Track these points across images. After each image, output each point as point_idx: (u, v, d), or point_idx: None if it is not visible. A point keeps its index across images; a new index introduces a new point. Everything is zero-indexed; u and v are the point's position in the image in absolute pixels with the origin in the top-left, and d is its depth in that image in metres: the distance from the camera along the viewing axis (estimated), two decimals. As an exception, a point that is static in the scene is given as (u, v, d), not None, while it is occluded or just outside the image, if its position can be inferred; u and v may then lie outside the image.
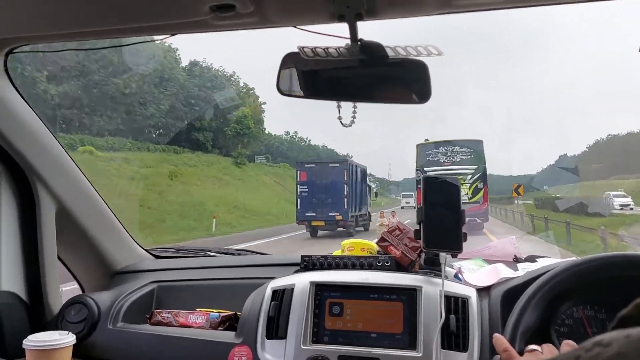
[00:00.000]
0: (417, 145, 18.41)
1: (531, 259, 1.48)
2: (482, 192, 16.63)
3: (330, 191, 17.72)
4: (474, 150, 17.76)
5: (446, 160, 17.61)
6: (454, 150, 17.74)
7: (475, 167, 17.26)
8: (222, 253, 1.92)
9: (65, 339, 1.30)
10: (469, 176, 16.78)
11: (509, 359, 0.96)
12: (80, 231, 1.58)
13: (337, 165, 18.61)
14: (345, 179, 17.90)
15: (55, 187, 1.47)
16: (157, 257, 1.88)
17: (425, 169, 17.35)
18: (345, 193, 17.70)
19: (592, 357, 0.32)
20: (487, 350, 1.17)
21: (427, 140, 18.73)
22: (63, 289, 1.59)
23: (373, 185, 24.00)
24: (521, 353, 1.00)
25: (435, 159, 17.76)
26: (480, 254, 1.57)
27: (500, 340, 1.01)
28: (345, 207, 17.59)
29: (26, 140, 1.40)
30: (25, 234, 1.47)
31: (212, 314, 1.47)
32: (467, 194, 16.05)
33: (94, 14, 0.94)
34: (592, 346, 0.33)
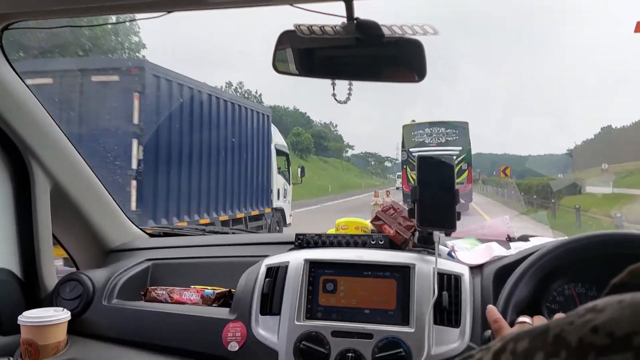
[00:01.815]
0: (403, 126, 18.48)
1: (524, 238, 1.50)
2: (466, 173, 16.85)
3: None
4: (460, 131, 17.94)
5: (431, 142, 17.74)
6: (440, 131, 17.85)
7: (460, 148, 17.39)
8: (217, 232, 1.93)
9: (60, 315, 1.31)
10: (454, 157, 16.81)
11: (499, 330, 0.98)
12: (74, 209, 1.58)
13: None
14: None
15: (50, 164, 1.47)
16: (151, 235, 1.89)
17: (410, 149, 17.52)
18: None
19: (586, 322, 0.32)
20: (479, 326, 1.19)
21: (413, 121, 18.80)
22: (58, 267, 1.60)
23: (282, 153, 11.70)
24: (512, 324, 1.02)
25: (421, 140, 17.86)
26: (474, 233, 1.58)
27: (493, 311, 1.03)
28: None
29: (21, 118, 1.38)
30: (20, 211, 1.46)
31: (206, 290, 1.48)
32: (451, 175, 16.12)
33: None
34: (585, 312, 0.33)
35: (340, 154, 73.37)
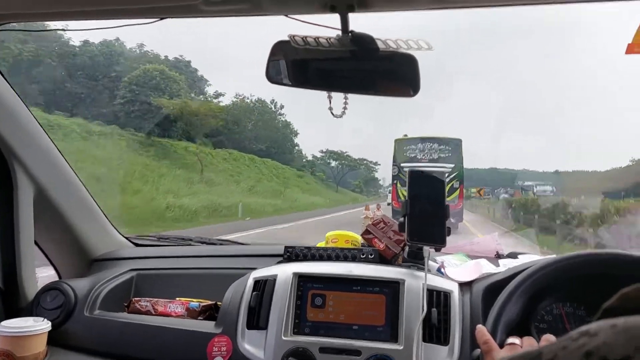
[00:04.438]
0: (395, 141, 18.11)
1: (513, 255, 1.50)
2: (457, 191, 16.51)
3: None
4: (452, 148, 17.57)
5: (423, 157, 17.34)
6: (432, 147, 17.50)
7: (453, 165, 17.09)
8: (204, 242, 1.90)
9: (39, 325, 1.27)
10: (446, 174, 16.61)
11: (489, 351, 0.97)
12: (58, 216, 1.55)
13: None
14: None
15: (34, 170, 1.43)
16: (137, 245, 1.85)
17: (402, 164, 17.12)
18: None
19: (579, 346, 0.32)
20: (468, 344, 1.18)
21: (405, 135, 18.51)
22: (39, 276, 1.56)
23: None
24: (502, 345, 1.01)
25: (413, 155, 17.47)
26: (463, 249, 1.58)
27: (482, 331, 1.02)
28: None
29: (5, 121, 1.35)
30: (1, 217, 1.43)
31: (191, 303, 1.46)
32: (442, 192, 15.74)
33: None
34: (578, 336, 0.33)
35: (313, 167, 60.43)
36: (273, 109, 51.60)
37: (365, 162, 63.78)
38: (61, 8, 0.97)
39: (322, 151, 64.74)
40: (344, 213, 25.74)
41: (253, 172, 35.44)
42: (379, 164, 62.63)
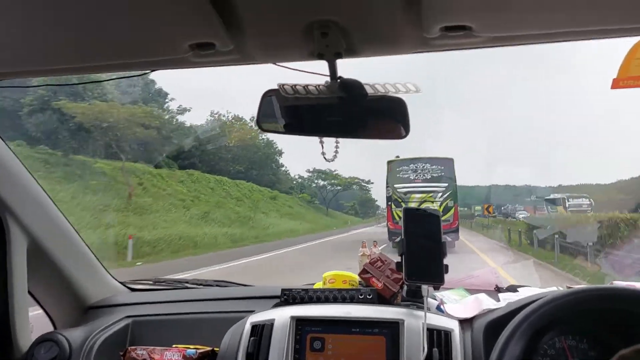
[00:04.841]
0: (388, 162, 18.18)
1: (512, 288, 1.49)
2: (452, 210, 16.50)
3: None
4: (445, 168, 17.68)
5: (416, 178, 17.41)
6: (425, 167, 17.59)
7: (446, 185, 17.17)
8: (200, 285, 1.88)
9: (34, 381, 1.24)
10: (439, 194, 16.67)
11: None
12: (52, 265, 1.53)
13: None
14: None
15: (27, 221, 1.43)
16: (132, 290, 1.83)
17: (395, 185, 17.21)
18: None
19: None
20: None
21: (397, 157, 18.54)
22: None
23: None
24: None
25: (406, 176, 17.54)
26: (462, 284, 1.57)
27: None
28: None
29: None
30: None
31: (188, 350, 1.43)
32: (437, 212, 15.59)
33: (72, 51, 0.92)
34: None
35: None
36: (253, 127, 44.61)
37: (356, 181, 58.40)
38: (52, 65, 0.99)
39: (309, 170, 59.01)
40: (322, 241, 21.68)
41: (217, 196, 29.74)
42: (372, 182, 58.45)
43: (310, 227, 34.54)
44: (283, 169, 51.98)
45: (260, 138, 43.57)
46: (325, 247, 18.07)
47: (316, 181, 57.43)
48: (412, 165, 17.75)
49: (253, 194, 36.26)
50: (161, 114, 28.90)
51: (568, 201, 30.53)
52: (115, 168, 22.88)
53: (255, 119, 1.06)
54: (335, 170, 55.12)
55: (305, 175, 57.96)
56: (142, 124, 22.57)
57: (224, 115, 42.31)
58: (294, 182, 55.05)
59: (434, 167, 17.67)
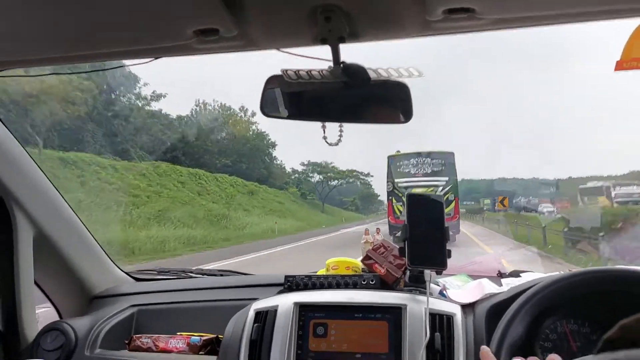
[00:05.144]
0: (388, 157, 18.24)
1: (515, 274, 1.50)
2: (453, 204, 16.50)
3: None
4: (445, 162, 17.71)
5: (417, 172, 17.47)
6: (425, 162, 17.62)
7: (447, 179, 17.20)
8: (204, 274, 1.89)
9: (41, 368, 1.26)
10: (440, 188, 16.65)
11: None
12: (58, 256, 1.54)
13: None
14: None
15: (33, 211, 1.43)
16: (137, 279, 1.85)
17: (396, 180, 17.27)
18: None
19: None
20: None
21: (398, 151, 18.58)
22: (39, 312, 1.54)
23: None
24: None
25: (407, 170, 17.61)
26: (465, 270, 1.58)
27: (487, 354, 1.01)
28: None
29: (3, 164, 1.36)
30: (1, 259, 1.42)
31: (193, 337, 1.44)
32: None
33: (75, 38, 0.92)
34: None
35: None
36: (243, 116, 41.28)
37: (355, 174, 53.22)
38: (55, 53, 0.99)
39: (303, 163, 53.22)
40: (298, 245, 17.75)
41: (186, 192, 25.90)
42: (372, 175, 53.74)
43: (300, 225, 30.60)
44: (277, 162, 48.33)
45: (252, 129, 41.35)
46: (298, 251, 15.36)
47: (311, 175, 52.27)
48: (412, 159, 17.78)
49: (228, 188, 31.70)
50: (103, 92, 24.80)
51: (614, 189, 23.41)
52: (51, 157, 19.01)
53: (259, 106, 1.06)
54: (331, 163, 50.90)
55: (300, 168, 52.75)
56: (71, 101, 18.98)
57: (210, 105, 39.98)
58: (292, 177, 50.89)
59: (434, 161, 17.70)
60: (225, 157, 36.22)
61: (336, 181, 52.81)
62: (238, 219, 25.56)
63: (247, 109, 41.01)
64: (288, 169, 51.77)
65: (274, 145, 45.07)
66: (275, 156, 47.70)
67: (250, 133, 41.44)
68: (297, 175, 51.66)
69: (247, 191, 33.38)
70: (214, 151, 35.40)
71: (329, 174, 50.94)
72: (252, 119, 40.91)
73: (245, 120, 41.25)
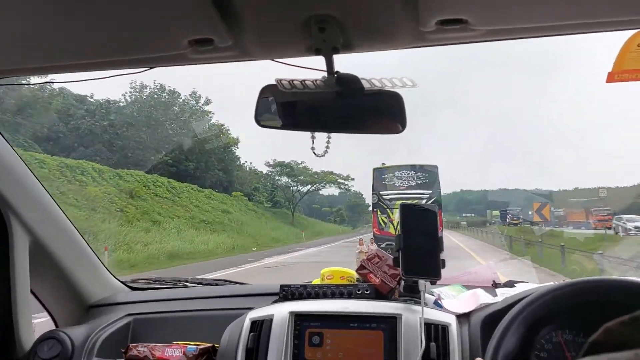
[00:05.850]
0: (374, 169, 18.51)
1: (510, 284, 1.50)
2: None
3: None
4: (429, 175, 18.02)
5: (401, 185, 17.72)
6: (409, 174, 17.92)
7: (430, 191, 17.43)
8: (200, 283, 1.89)
9: (36, 377, 1.25)
10: (424, 201, 16.77)
11: None
12: (54, 264, 1.54)
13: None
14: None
15: (28, 219, 1.44)
16: (133, 288, 1.84)
17: (381, 192, 17.55)
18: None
19: None
20: None
21: (383, 164, 18.89)
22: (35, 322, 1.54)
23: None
24: None
25: (391, 182, 17.85)
26: (459, 280, 1.58)
27: None
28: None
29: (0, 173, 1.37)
30: None
31: (189, 346, 1.44)
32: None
33: (71, 48, 0.94)
34: None
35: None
36: (195, 104, 34.25)
37: (332, 175, 42.64)
38: (51, 62, 1.00)
39: (268, 163, 43.06)
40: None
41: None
42: (352, 179, 44.43)
43: (242, 242, 23.88)
44: (240, 162, 39.80)
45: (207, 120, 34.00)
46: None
47: (279, 177, 42.78)
48: (397, 172, 18.11)
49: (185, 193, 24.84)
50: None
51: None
52: None
53: (253, 115, 1.06)
54: (302, 163, 41.30)
55: (265, 170, 43.43)
56: None
57: (149, 87, 32.83)
58: (270, 183, 41.97)
59: (418, 174, 18.05)
60: (167, 154, 29.88)
61: (309, 185, 43.09)
62: (135, 236, 18.50)
63: (199, 94, 35.10)
64: (258, 171, 43.64)
65: (235, 142, 37.42)
66: (238, 155, 40.56)
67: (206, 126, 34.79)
68: (262, 179, 43.36)
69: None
70: (151, 148, 29.43)
71: (299, 177, 41.87)
72: (206, 108, 35.18)
73: (197, 110, 34.69)
